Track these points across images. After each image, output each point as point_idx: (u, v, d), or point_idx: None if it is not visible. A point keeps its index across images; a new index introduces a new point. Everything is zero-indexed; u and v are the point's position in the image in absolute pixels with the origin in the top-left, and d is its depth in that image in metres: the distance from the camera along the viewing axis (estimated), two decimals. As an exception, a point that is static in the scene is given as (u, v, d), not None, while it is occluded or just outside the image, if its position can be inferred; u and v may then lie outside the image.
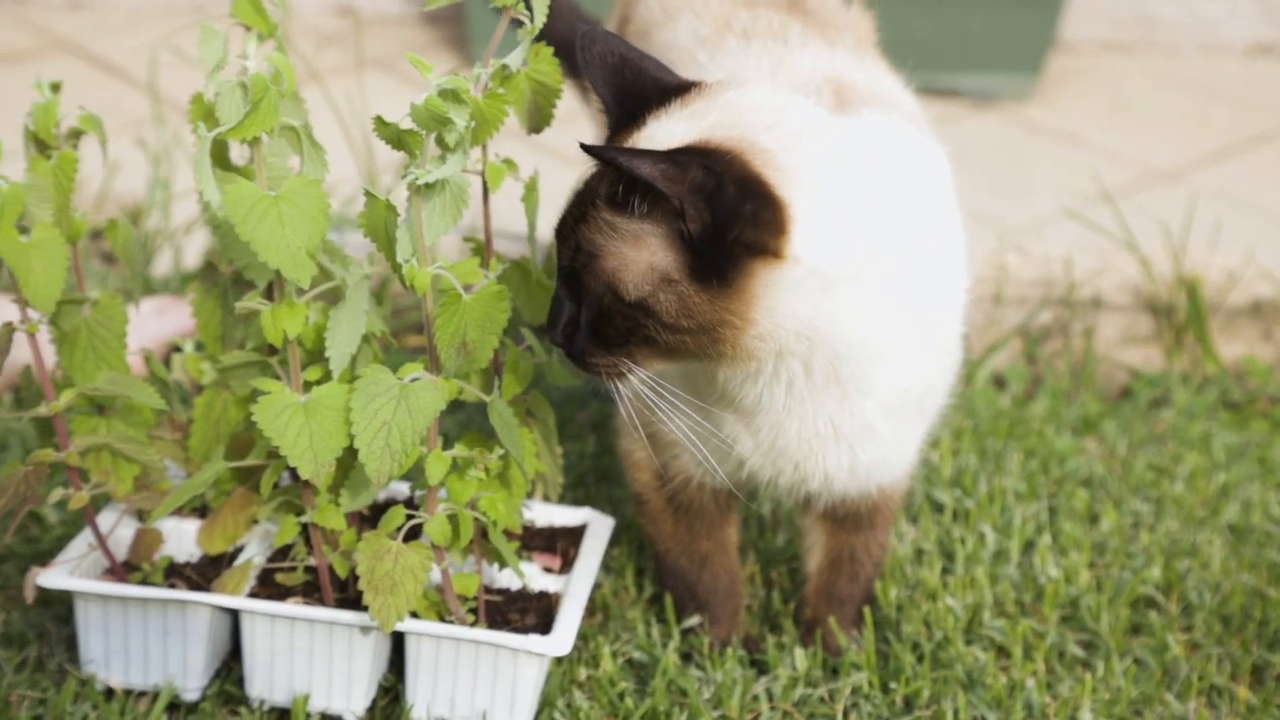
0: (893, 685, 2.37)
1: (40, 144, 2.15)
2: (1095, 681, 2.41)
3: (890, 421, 2.14)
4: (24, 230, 2.08)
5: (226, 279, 2.30)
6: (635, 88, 2.06)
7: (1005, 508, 2.86)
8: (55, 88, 2.13)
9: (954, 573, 2.66)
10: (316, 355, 2.15)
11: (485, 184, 2.12)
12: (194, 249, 3.61)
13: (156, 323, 3.11)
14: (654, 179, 1.88)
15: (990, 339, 3.50)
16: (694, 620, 2.44)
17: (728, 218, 1.90)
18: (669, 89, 2.06)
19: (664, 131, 2.00)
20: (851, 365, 2.03)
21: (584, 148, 1.91)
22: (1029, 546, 2.77)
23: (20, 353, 2.20)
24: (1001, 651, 2.50)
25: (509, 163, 2.11)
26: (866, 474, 2.22)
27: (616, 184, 1.95)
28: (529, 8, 2.00)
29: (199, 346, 2.36)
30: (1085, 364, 3.47)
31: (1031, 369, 3.52)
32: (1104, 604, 2.57)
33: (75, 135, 2.17)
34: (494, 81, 2.03)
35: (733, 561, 2.44)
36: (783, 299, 1.94)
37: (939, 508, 2.86)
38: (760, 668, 2.43)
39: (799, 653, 2.40)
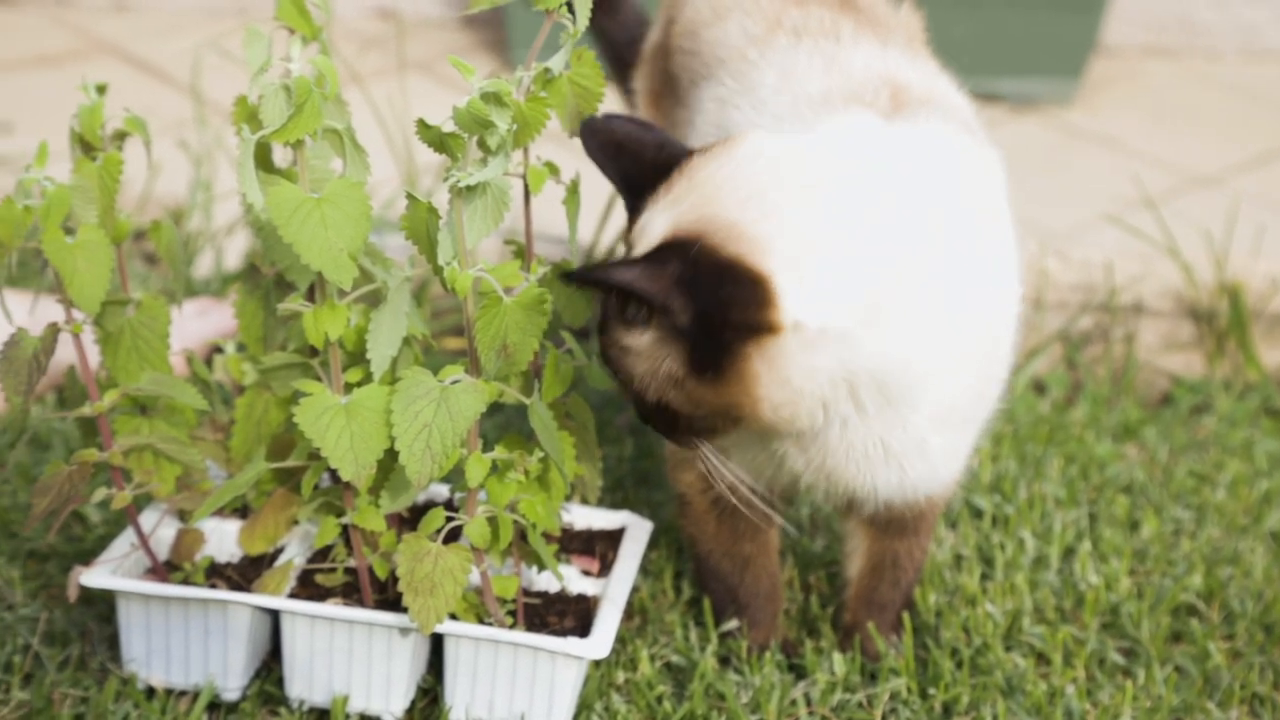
0: (931, 691, 2.37)
1: (86, 145, 2.16)
2: (1136, 689, 2.40)
3: (940, 433, 2.12)
4: (69, 231, 2.09)
5: (269, 280, 2.31)
6: (635, 174, 2.06)
7: (1045, 514, 2.85)
8: (101, 90, 2.14)
9: (993, 579, 2.64)
10: (357, 357, 2.16)
11: (526, 187, 2.12)
12: (235, 250, 3.62)
13: (198, 324, 3.12)
14: (633, 284, 1.90)
15: (1030, 344, 3.48)
16: (733, 624, 2.44)
17: (711, 305, 1.90)
18: (661, 170, 2.04)
19: (651, 224, 2.00)
20: (900, 386, 2.01)
21: (563, 278, 1.99)
22: (1069, 553, 2.75)
23: (64, 353, 2.21)
24: (1041, 658, 2.49)
25: (550, 166, 2.11)
26: (914, 487, 2.20)
27: (616, 299, 1.98)
28: (571, 10, 2.00)
29: (241, 347, 2.37)
30: (1126, 370, 3.45)
31: (1072, 374, 3.50)
32: (1145, 611, 2.56)
33: (120, 137, 2.19)
34: (536, 85, 2.03)
35: (774, 565, 2.44)
36: (795, 367, 1.93)
37: (978, 513, 2.84)
38: (798, 672, 2.42)
39: (837, 657, 2.39)
